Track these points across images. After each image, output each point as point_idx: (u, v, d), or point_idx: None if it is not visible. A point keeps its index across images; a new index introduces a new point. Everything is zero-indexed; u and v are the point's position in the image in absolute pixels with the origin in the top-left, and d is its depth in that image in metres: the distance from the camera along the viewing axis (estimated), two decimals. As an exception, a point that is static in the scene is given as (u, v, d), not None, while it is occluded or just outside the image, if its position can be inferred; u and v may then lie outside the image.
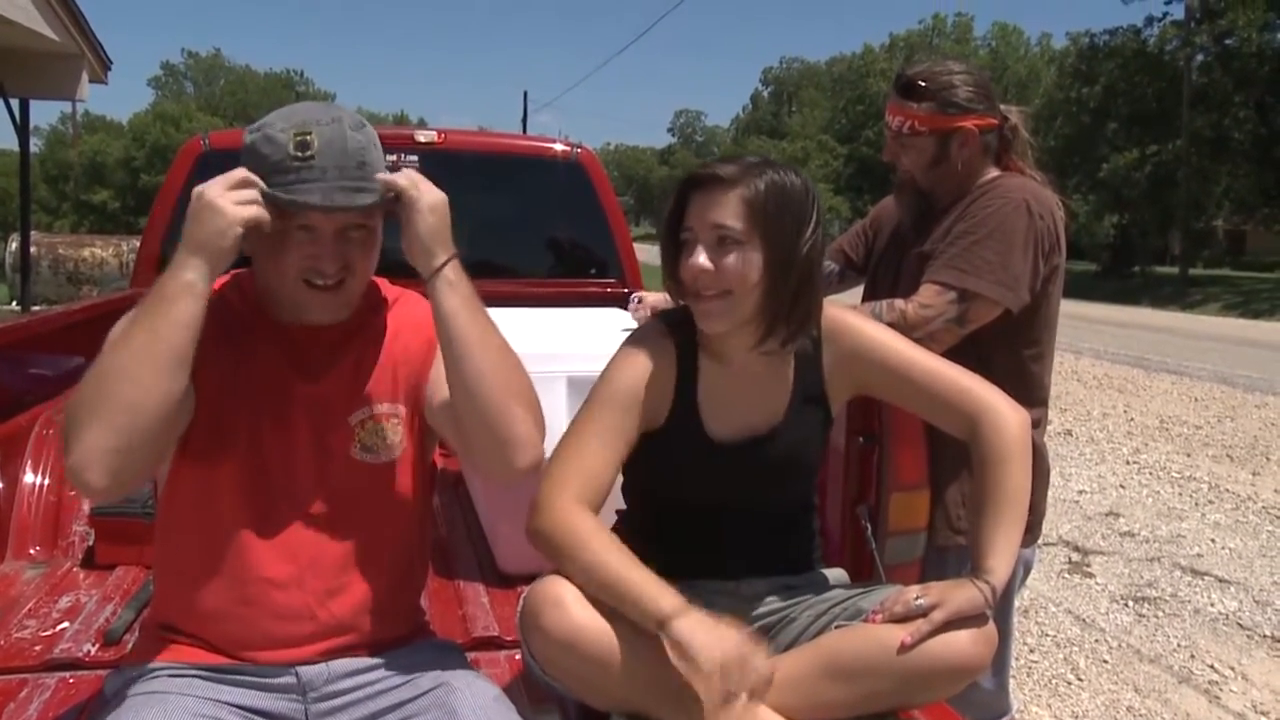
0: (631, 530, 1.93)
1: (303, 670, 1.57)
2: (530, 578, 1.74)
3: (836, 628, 1.71)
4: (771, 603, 1.83)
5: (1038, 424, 2.41)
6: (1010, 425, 1.74)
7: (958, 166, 2.39)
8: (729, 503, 1.84)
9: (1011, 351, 2.38)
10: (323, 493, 1.61)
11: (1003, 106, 2.44)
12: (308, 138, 1.50)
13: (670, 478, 1.80)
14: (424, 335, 1.69)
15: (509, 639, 2.09)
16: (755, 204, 1.68)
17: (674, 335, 1.80)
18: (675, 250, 1.76)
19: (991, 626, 1.65)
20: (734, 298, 1.70)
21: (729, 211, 1.68)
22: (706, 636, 1.50)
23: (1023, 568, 2.50)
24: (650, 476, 1.74)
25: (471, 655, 1.85)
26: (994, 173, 2.42)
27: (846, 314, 1.87)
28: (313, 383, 1.63)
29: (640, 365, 1.76)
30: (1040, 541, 2.77)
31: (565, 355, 2.42)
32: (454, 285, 1.55)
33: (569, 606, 1.58)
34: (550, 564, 1.67)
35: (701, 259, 1.68)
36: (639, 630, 1.57)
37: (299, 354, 1.63)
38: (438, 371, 1.64)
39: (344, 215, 1.53)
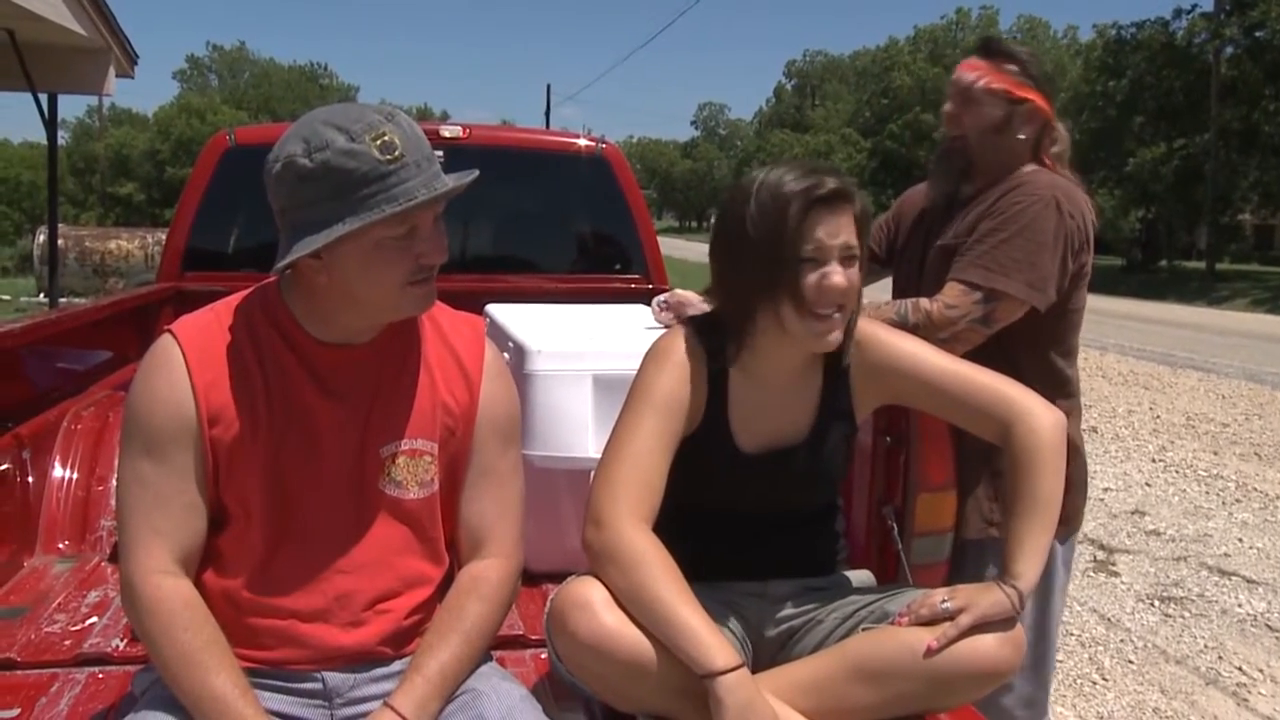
0: (656, 530, 1.93)
1: (329, 676, 1.56)
2: (556, 576, 1.74)
3: (863, 630, 1.71)
4: (798, 605, 1.83)
5: (1069, 415, 2.39)
6: (1045, 428, 1.72)
7: (1015, 139, 2.36)
8: (754, 509, 1.84)
9: (1039, 350, 2.36)
10: (350, 523, 1.58)
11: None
12: (387, 139, 1.44)
13: (697, 485, 1.79)
14: (472, 389, 1.66)
15: (534, 638, 2.08)
16: (863, 221, 1.73)
17: (705, 344, 1.79)
18: (794, 267, 1.68)
19: (1019, 630, 1.64)
20: (847, 311, 1.73)
21: (851, 230, 1.71)
22: (740, 706, 1.50)
23: (1062, 566, 2.47)
24: (676, 482, 1.73)
25: (497, 654, 1.85)
26: (1031, 166, 2.40)
27: (874, 326, 1.86)
28: (342, 405, 1.57)
29: (676, 369, 1.75)
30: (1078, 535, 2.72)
31: (591, 353, 2.41)
32: None
33: (597, 610, 1.57)
34: (581, 566, 1.66)
35: (840, 278, 1.68)
36: None
37: (330, 374, 1.58)
38: (479, 454, 1.66)
39: (439, 202, 1.50)
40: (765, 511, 1.84)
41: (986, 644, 1.60)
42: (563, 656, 1.64)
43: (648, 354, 1.80)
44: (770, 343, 1.76)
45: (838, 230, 1.68)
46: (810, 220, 1.68)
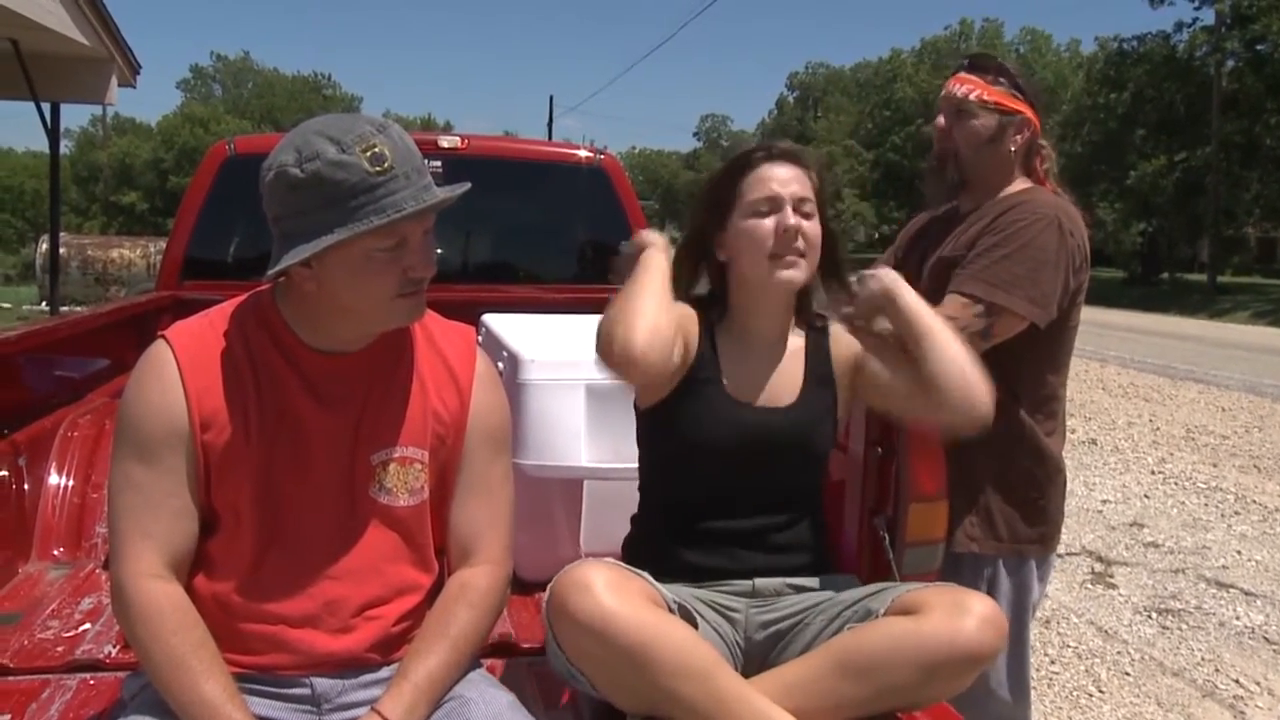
0: (646, 534, 1.94)
1: (317, 681, 1.56)
2: (548, 585, 1.74)
3: (848, 629, 1.73)
4: (785, 606, 1.85)
5: (1051, 434, 2.41)
6: None
7: (1007, 152, 2.38)
8: (743, 485, 1.87)
9: (1034, 365, 2.37)
10: (340, 530, 1.59)
11: None
12: (377, 150, 1.45)
13: (693, 433, 1.86)
14: (463, 397, 1.68)
15: (525, 645, 2.09)
16: (819, 187, 1.91)
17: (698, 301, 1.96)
18: (721, 221, 1.92)
19: (999, 614, 1.68)
20: (812, 255, 1.88)
21: (804, 184, 1.88)
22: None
23: (1039, 583, 2.47)
24: (672, 438, 1.86)
25: (488, 662, 1.85)
26: (1024, 183, 2.41)
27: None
28: (333, 412, 1.58)
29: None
30: (1063, 550, 2.73)
31: (585, 363, 2.41)
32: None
33: (597, 592, 1.58)
34: None
35: (794, 219, 1.85)
36: (667, 619, 1.61)
37: (322, 381, 1.59)
38: (469, 462, 1.67)
39: (428, 215, 1.51)
40: (754, 493, 1.88)
41: (967, 628, 1.62)
42: (561, 641, 1.64)
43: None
44: (745, 301, 1.92)
45: (789, 180, 1.87)
46: (762, 172, 1.88)
